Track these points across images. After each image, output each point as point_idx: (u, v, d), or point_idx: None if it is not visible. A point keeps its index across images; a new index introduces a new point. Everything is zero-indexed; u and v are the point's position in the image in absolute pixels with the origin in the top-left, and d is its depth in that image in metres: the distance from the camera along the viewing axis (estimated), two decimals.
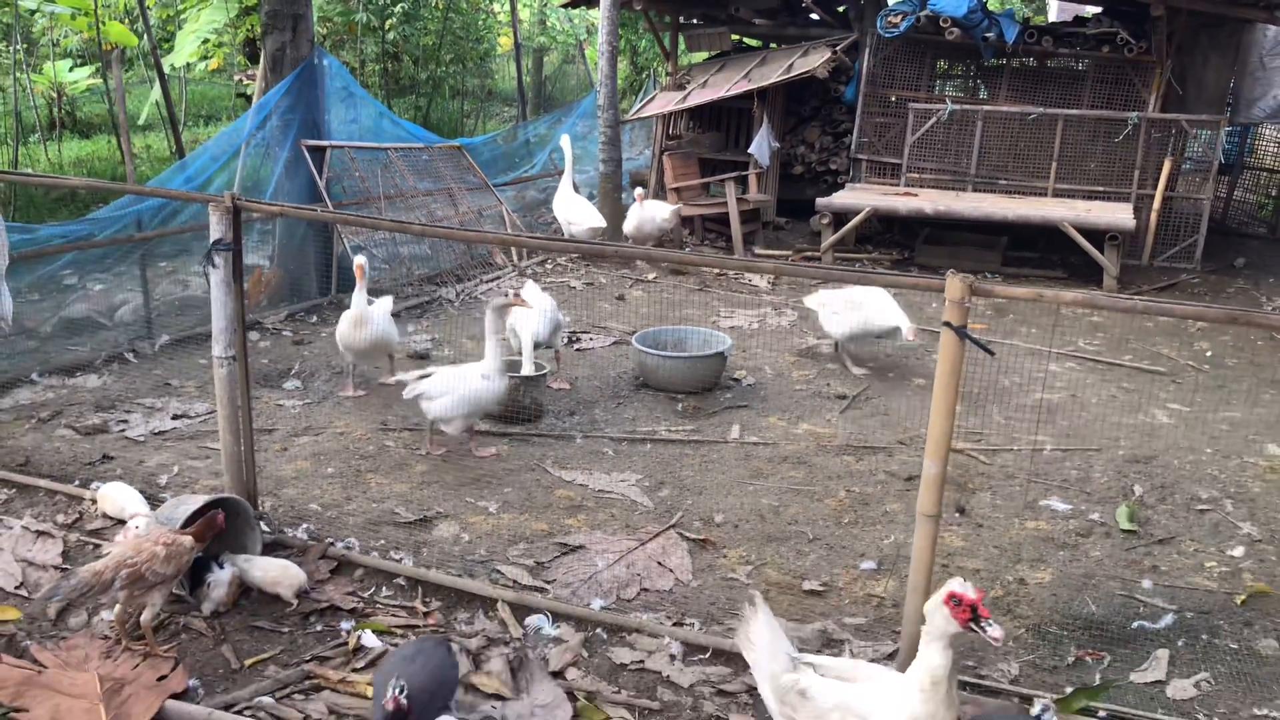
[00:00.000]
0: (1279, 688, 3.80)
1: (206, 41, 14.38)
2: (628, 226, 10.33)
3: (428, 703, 3.11)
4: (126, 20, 15.05)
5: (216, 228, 4.20)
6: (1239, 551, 4.85)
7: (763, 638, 3.16)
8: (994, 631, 2.75)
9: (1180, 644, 4.09)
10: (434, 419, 5.52)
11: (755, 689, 3.71)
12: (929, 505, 3.43)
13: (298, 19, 8.13)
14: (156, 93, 13.20)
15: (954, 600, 2.80)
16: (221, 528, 3.95)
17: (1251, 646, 4.09)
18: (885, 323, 6.97)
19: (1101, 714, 3.56)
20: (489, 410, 5.78)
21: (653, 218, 10.16)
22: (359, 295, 6.20)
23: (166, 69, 13.35)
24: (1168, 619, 4.22)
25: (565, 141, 10.61)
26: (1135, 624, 4.21)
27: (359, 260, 6.27)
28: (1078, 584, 4.53)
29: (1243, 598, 4.43)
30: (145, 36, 11.66)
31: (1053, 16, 18.96)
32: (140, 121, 15.60)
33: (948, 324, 3.27)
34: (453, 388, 5.42)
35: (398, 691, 2.99)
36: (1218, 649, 4.07)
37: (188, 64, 15.67)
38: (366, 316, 6.22)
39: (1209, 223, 13.15)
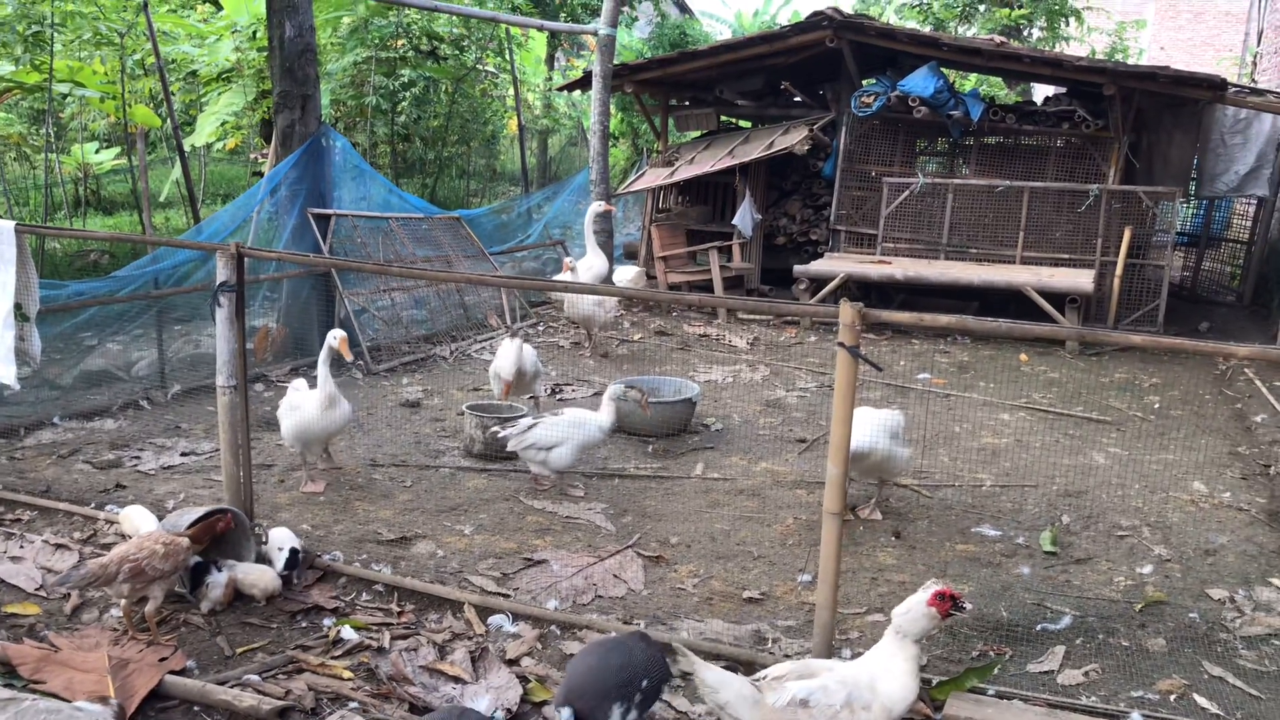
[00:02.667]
0: (1158, 676, 4.24)
1: (225, 123, 15.26)
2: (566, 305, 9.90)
3: None
4: (151, 104, 15.98)
5: (222, 271, 4.80)
6: (1148, 569, 5.30)
7: (718, 678, 3.42)
8: (969, 606, 3.58)
9: (1078, 641, 4.54)
10: (553, 467, 6.04)
11: (688, 674, 4.18)
12: (833, 504, 3.93)
13: (306, 99, 8.88)
14: (177, 171, 14.02)
15: (940, 598, 3.44)
16: (218, 531, 4.47)
17: (1142, 644, 4.53)
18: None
19: (990, 693, 4.01)
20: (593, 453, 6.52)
21: (594, 300, 9.47)
22: (326, 370, 5.88)
23: (187, 149, 14.18)
24: (1066, 620, 4.68)
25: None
26: (1039, 626, 4.66)
27: (340, 334, 5.93)
28: (995, 594, 4.98)
29: (1141, 605, 4.88)
30: (168, 118, 12.47)
31: (1037, 98, 19.83)
32: (161, 199, 16.44)
33: (841, 344, 3.79)
34: (568, 436, 5.97)
35: None
36: (1111, 646, 4.51)
37: (207, 144, 16.55)
38: (337, 397, 5.90)
39: (1179, 290, 13.78)
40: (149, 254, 8.42)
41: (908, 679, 3.42)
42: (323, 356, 5.94)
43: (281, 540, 4.85)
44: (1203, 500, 6.27)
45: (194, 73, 16.03)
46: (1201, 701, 4.05)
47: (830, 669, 3.49)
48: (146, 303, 7.99)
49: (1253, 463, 7.06)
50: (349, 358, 6.31)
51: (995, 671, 4.16)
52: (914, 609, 3.45)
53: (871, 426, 5.48)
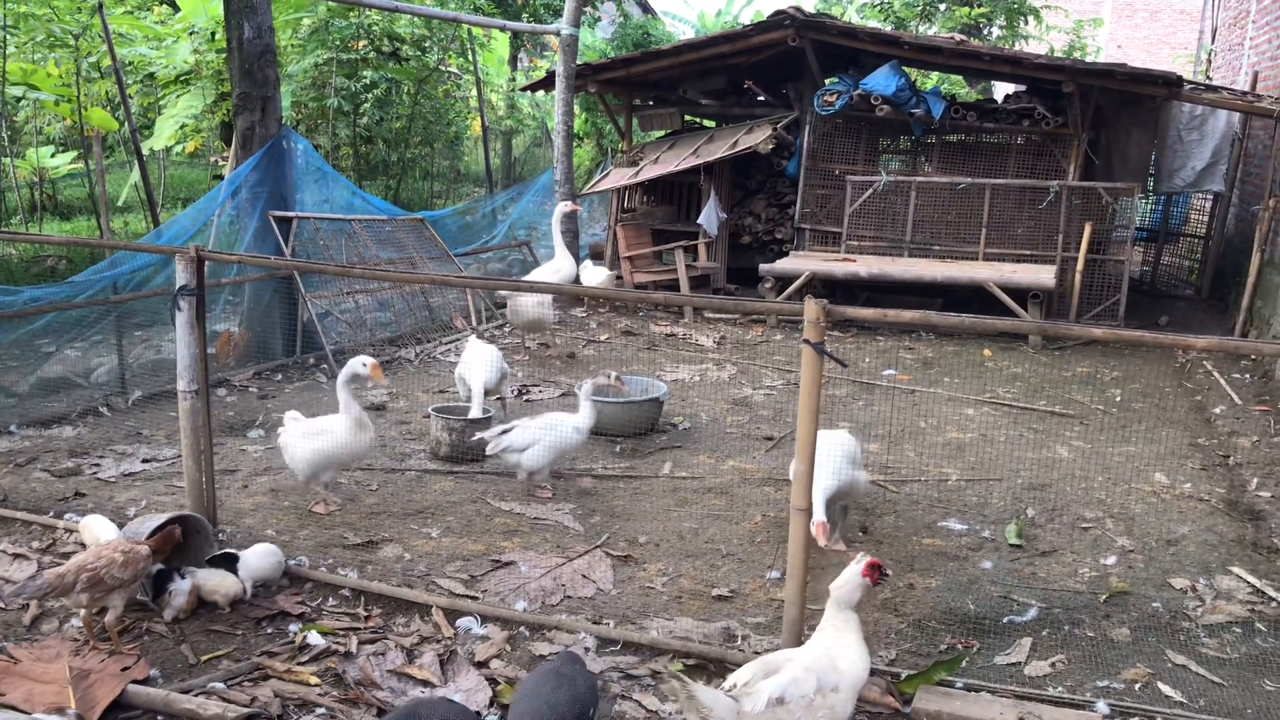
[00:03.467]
0: (1123, 665, 4.29)
1: (185, 126, 15.08)
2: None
3: None
4: (108, 107, 15.76)
5: (182, 275, 4.74)
6: (1111, 560, 5.36)
7: (708, 696, 3.35)
8: (890, 573, 3.76)
9: (1044, 633, 4.58)
10: (527, 469, 5.97)
11: (658, 673, 4.19)
12: (799, 499, 3.94)
13: (266, 100, 8.79)
14: (136, 175, 13.84)
15: (871, 568, 3.67)
16: (178, 540, 4.40)
17: (1107, 635, 4.58)
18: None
19: (959, 685, 4.04)
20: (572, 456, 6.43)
21: (535, 300, 9.23)
22: (348, 394, 5.63)
23: (146, 153, 14.02)
24: (1032, 612, 4.72)
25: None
26: (1006, 618, 4.70)
27: (370, 361, 5.65)
28: (962, 588, 5.02)
29: (1106, 595, 4.93)
30: (126, 122, 12.31)
31: (998, 96, 20.03)
32: (120, 203, 16.22)
33: (807, 341, 3.80)
34: (541, 438, 5.94)
35: None
36: (1077, 637, 4.55)
37: (166, 148, 16.36)
38: (365, 420, 5.75)
39: (1139, 285, 13.96)
40: (107, 259, 8.29)
41: (861, 648, 3.62)
42: (342, 380, 5.64)
43: (257, 558, 4.75)
44: (1164, 491, 6.35)
45: (151, 75, 15.84)
46: (1165, 690, 4.10)
47: (790, 659, 3.52)
48: (105, 308, 7.87)
49: (1212, 453, 7.16)
50: (384, 383, 6.43)
51: (963, 664, 4.19)
52: (850, 580, 3.67)
53: (836, 457, 5.09)
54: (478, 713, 3.84)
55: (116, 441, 6.83)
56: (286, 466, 6.04)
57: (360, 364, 5.64)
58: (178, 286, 4.76)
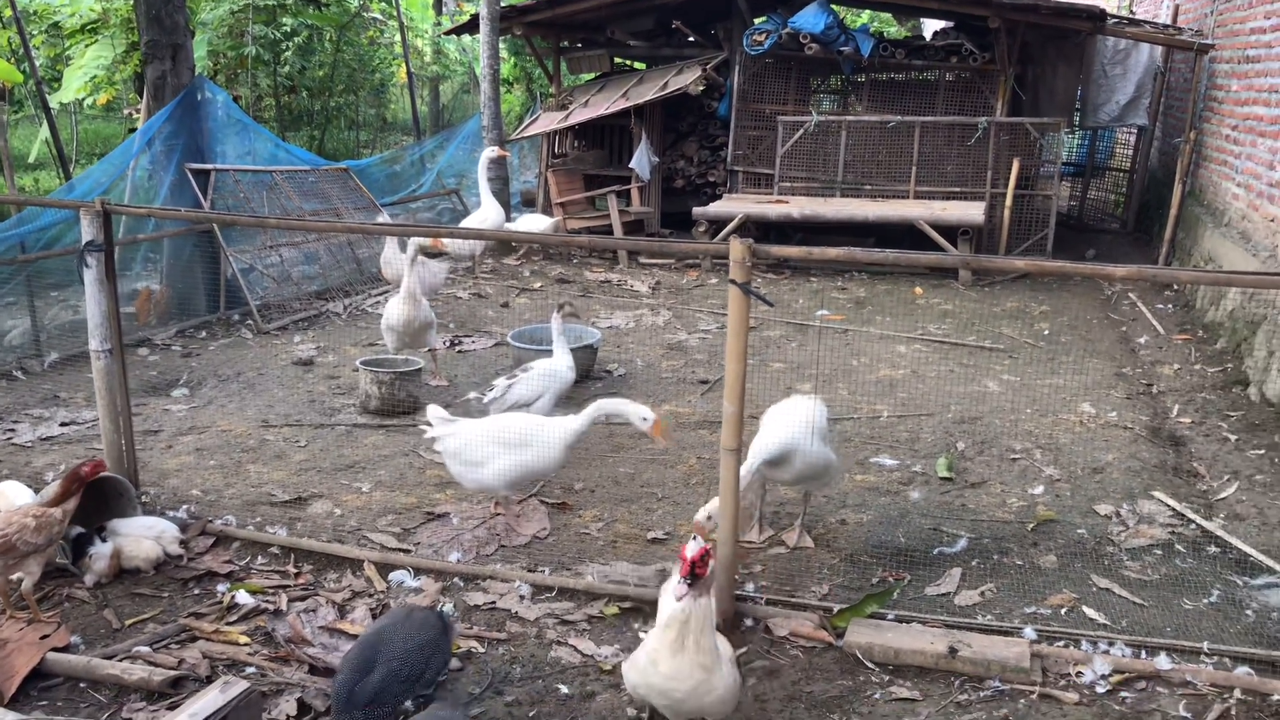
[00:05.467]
0: (1049, 591, 4.38)
1: (95, 78, 14.47)
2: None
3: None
4: (11, 59, 15.08)
5: (88, 230, 4.55)
6: (1039, 490, 5.45)
7: None
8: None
9: (974, 563, 4.66)
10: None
11: (594, 618, 4.19)
12: (730, 440, 3.92)
13: (177, 48, 8.46)
14: (46, 130, 13.29)
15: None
16: (84, 478, 4.17)
17: (1034, 562, 4.67)
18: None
19: (890, 617, 4.09)
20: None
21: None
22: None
23: (55, 106, 13.45)
24: (962, 543, 4.79)
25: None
26: (936, 550, 4.77)
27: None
28: (893, 522, 5.08)
29: (1033, 524, 5.02)
30: (31, 74, 11.78)
31: (927, 34, 20.04)
32: (30, 160, 15.62)
33: (733, 281, 3.76)
34: (547, 387, 5.69)
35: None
36: (1005, 566, 4.63)
37: (78, 100, 15.73)
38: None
39: (1066, 219, 14.14)
40: (14, 216, 7.96)
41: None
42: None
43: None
44: (1090, 421, 6.47)
45: (57, 25, 15.18)
46: (1090, 613, 4.19)
47: None
48: (14, 268, 7.58)
49: (1136, 383, 7.31)
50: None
51: (894, 596, 4.24)
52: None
53: (791, 423, 4.52)
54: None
55: (32, 406, 6.61)
56: (211, 426, 5.86)
57: (640, 417, 4.75)
58: (84, 242, 4.57)
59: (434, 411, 5.01)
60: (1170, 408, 6.74)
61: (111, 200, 4.69)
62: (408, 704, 3.32)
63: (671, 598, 3.13)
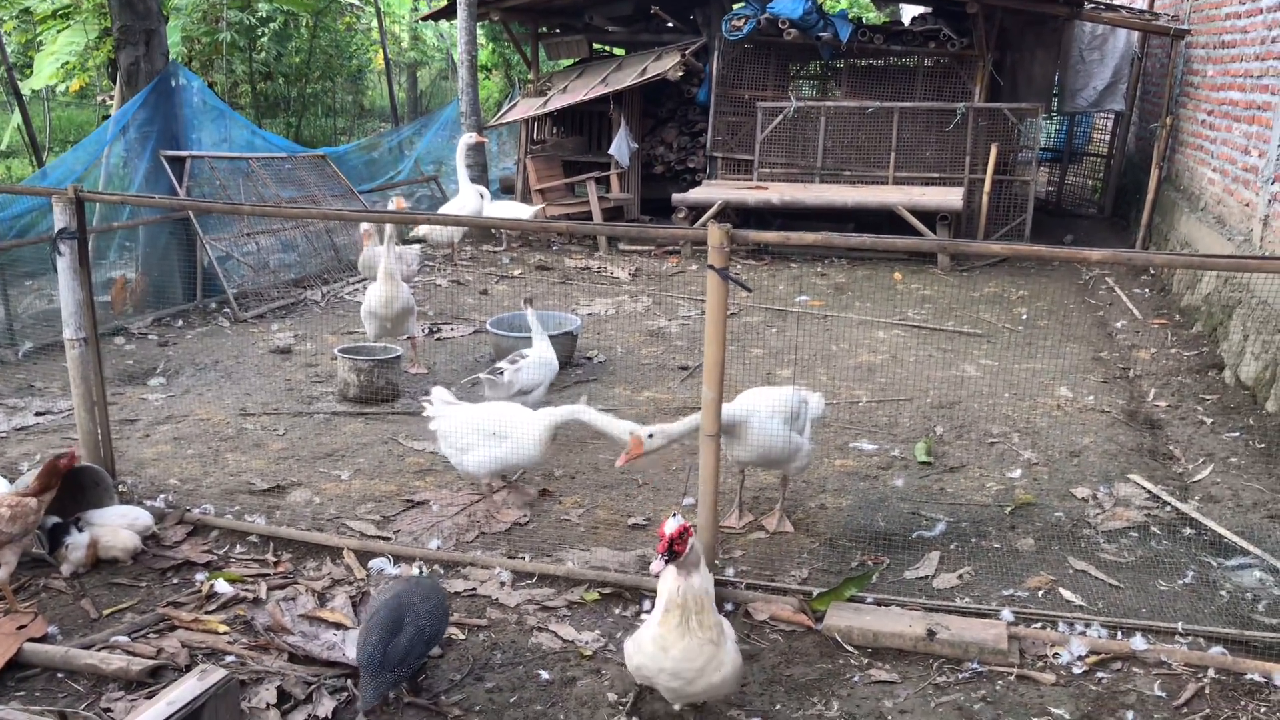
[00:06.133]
0: (1027, 573, 4.41)
1: (67, 64, 14.33)
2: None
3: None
4: None
5: (60, 218, 4.51)
6: (1017, 473, 5.49)
7: None
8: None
9: (952, 546, 4.68)
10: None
11: (575, 603, 4.20)
12: (710, 425, 3.93)
13: (150, 34, 8.37)
14: (17, 117, 13.15)
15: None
16: (62, 470, 4.16)
17: (1012, 545, 4.70)
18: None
19: (869, 600, 4.11)
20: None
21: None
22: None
23: (26, 93, 13.31)
24: (940, 526, 4.82)
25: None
26: (915, 534, 4.79)
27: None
28: (872, 506, 5.10)
29: (1011, 507, 5.06)
30: (2, 60, 11.66)
31: (905, 19, 20.06)
32: (2, 147, 15.44)
33: (711, 266, 3.77)
34: (545, 375, 5.68)
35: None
36: (983, 549, 4.66)
37: (50, 87, 15.56)
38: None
39: (1045, 205, 14.21)
40: None
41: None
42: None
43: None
44: (1068, 405, 6.51)
45: (27, 10, 14.99)
46: (1067, 594, 4.23)
47: None
48: None
49: (1113, 366, 7.36)
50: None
51: (873, 580, 4.27)
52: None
53: (753, 402, 4.58)
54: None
55: (7, 395, 6.55)
56: (188, 415, 5.83)
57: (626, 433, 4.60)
58: (56, 230, 4.53)
59: (439, 393, 5.09)
60: (1147, 391, 6.79)
61: (85, 188, 4.63)
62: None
63: (669, 582, 3.16)
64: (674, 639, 3.16)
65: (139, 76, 8.43)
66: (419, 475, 5.43)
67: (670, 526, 3.07)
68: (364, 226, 8.38)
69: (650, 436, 4.32)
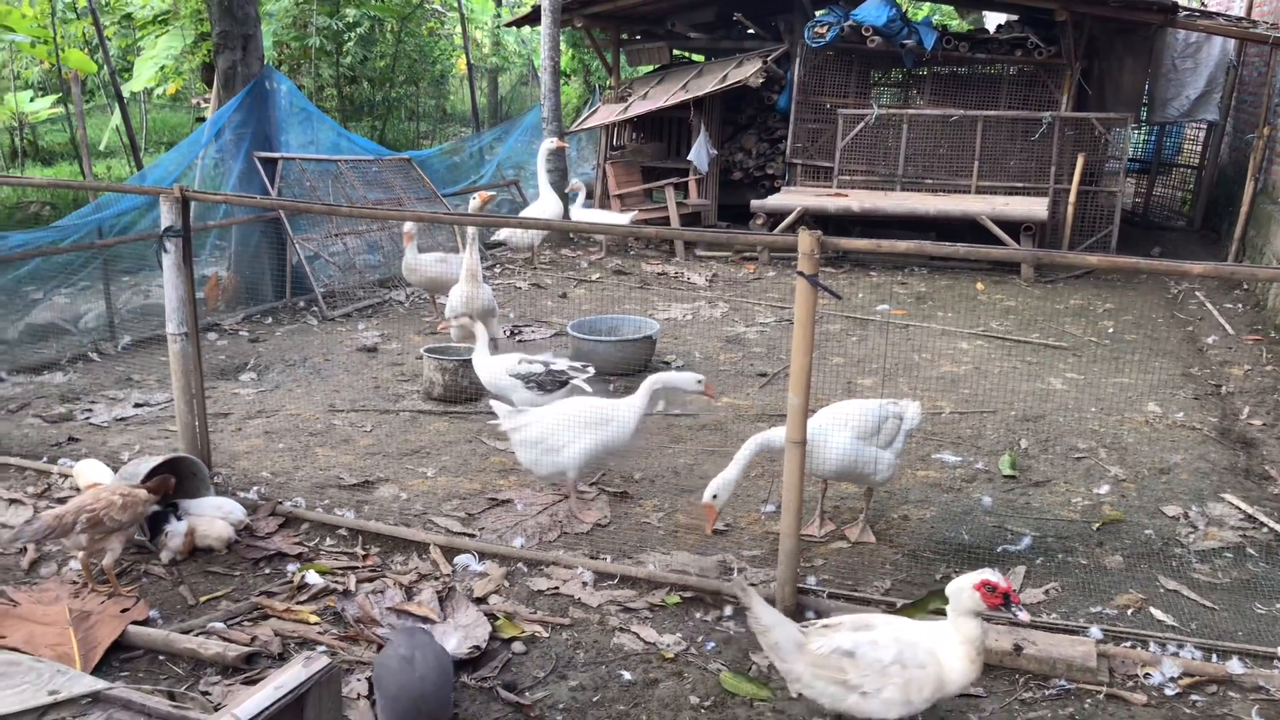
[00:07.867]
0: (1115, 591, 4.33)
1: (165, 67, 14.80)
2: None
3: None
4: (86, 49, 15.46)
5: (167, 216, 4.67)
6: (1104, 489, 5.38)
7: (772, 618, 3.32)
8: (1023, 616, 3.20)
9: (1038, 561, 4.62)
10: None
11: (656, 606, 4.22)
12: (795, 433, 3.93)
13: (248, 39, 8.62)
14: (117, 119, 13.62)
15: (987, 588, 3.15)
16: (170, 489, 4.39)
17: (1099, 562, 4.62)
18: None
19: None
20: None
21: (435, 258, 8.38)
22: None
23: (126, 95, 13.77)
24: (1026, 541, 4.75)
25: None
26: (1000, 548, 4.73)
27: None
28: (956, 519, 5.05)
29: (1099, 524, 4.97)
30: (104, 64, 12.08)
31: (990, 26, 19.78)
32: (101, 147, 15.99)
33: (801, 273, 3.77)
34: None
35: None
36: (1070, 565, 4.59)
37: (147, 90, 16.09)
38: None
39: (1131, 217, 13.90)
40: (91, 203, 8.17)
41: (965, 658, 3.19)
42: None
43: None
44: (1157, 421, 6.37)
45: (129, 16, 15.52)
46: (1158, 614, 4.14)
47: (888, 624, 3.32)
48: (92, 253, 7.79)
49: (1204, 383, 7.18)
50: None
51: None
52: (965, 590, 3.21)
53: (830, 418, 4.64)
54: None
55: (108, 387, 6.79)
56: (279, 410, 5.98)
57: (693, 382, 5.26)
58: (163, 228, 4.69)
59: (498, 406, 5.18)
60: (1240, 409, 6.62)
61: (185, 186, 4.79)
62: None
63: (969, 619, 3.20)
64: (976, 671, 3.24)
65: (236, 80, 8.69)
66: (502, 474, 5.51)
67: (999, 579, 3.19)
68: (406, 227, 8.28)
69: (715, 497, 4.45)
